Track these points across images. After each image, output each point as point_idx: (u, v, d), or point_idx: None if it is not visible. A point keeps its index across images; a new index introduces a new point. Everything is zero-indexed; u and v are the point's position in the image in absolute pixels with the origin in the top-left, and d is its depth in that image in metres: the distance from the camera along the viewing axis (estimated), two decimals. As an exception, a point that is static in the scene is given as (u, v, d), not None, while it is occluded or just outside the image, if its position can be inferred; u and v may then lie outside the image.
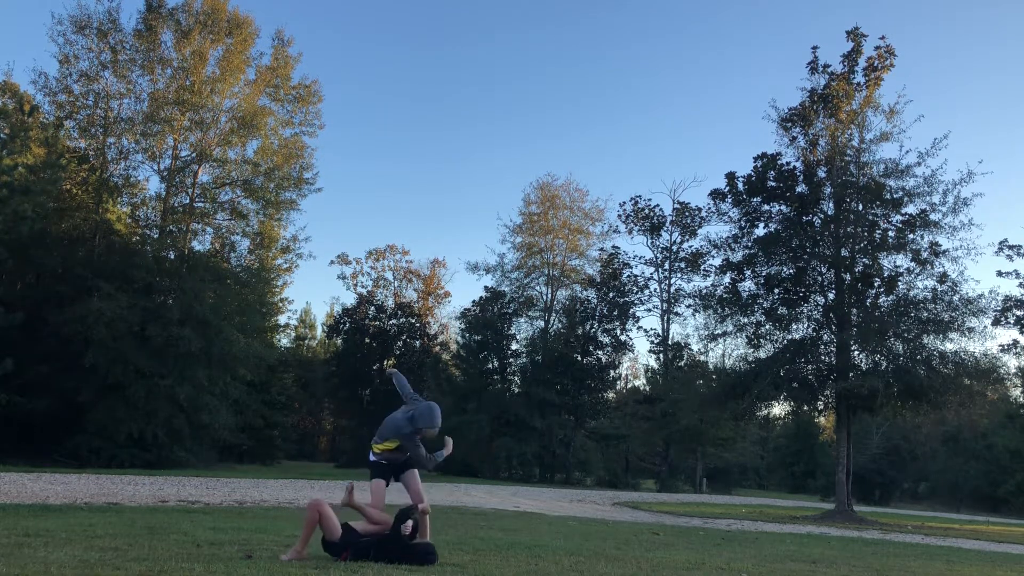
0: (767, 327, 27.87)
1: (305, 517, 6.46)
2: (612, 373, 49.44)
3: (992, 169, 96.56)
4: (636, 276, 49.42)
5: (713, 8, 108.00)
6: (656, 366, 52.57)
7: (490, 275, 49.56)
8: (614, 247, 49.98)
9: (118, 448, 28.52)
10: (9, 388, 25.85)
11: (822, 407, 29.06)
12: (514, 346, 49.24)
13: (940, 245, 25.88)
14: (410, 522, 6.55)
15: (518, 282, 49.60)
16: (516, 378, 48.88)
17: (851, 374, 25.67)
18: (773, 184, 27.43)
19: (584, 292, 48.72)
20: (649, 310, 52.39)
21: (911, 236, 26.18)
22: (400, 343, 55.91)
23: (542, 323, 49.25)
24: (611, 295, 47.87)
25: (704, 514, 22.98)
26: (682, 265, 49.25)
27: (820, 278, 27.50)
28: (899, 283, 26.22)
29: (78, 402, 28.56)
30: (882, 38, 26.97)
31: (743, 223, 28.21)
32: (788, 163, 27.50)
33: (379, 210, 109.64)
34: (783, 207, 27.57)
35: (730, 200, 28.35)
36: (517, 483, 38.92)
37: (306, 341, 65.41)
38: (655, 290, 50.24)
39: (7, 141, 28.81)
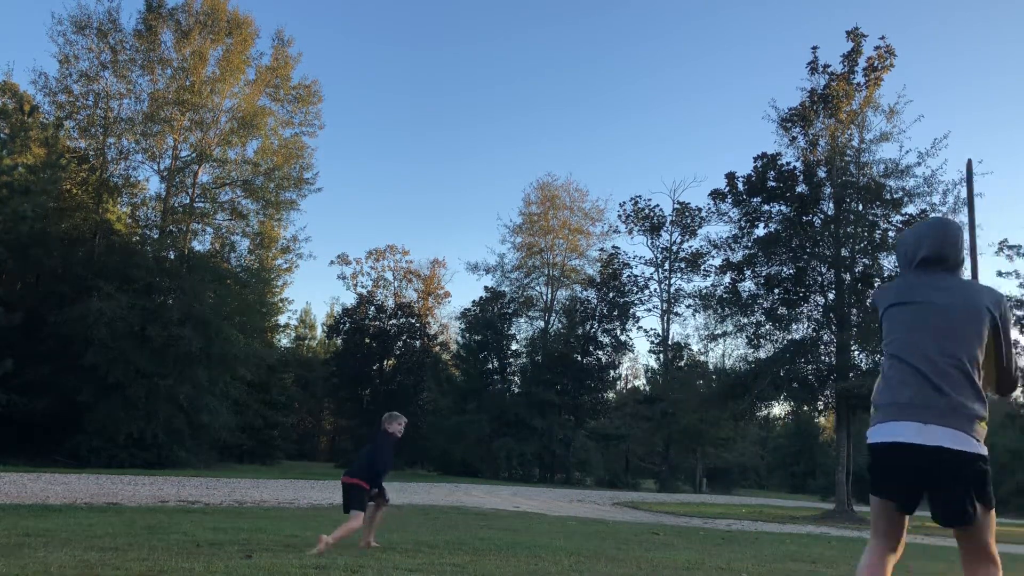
0: (767, 327, 27.89)
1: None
2: (612, 373, 49.52)
3: (992, 169, 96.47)
4: (636, 276, 49.49)
5: (713, 8, 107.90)
6: (656, 366, 52.61)
7: (490, 275, 49.69)
8: (614, 247, 50.07)
9: (118, 448, 28.51)
10: (9, 388, 25.85)
11: (822, 407, 29.07)
12: (514, 346, 49.32)
13: (940, 245, 25.88)
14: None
15: (518, 282, 49.70)
16: (516, 378, 48.91)
17: (851, 374, 25.67)
18: (773, 184, 27.44)
19: (584, 292, 48.77)
20: (649, 310, 52.47)
21: (911, 236, 26.18)
22: (400, 343, 55.89)
23: (542, 323, 49.29)
24: (611, 295, 47.88)
25: (704, 514, 22.98)
26: (682, 265, 49.27)
27: (820, 278, 27.52)
28: (899, 283, 26.21)
29: (78, 402, 28.55)
30: (882, 38, 27.02)
31: (743, 223, 28.24)
32: (788, 163, 27.54)
33: (379, 210, 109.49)
34: (783, 207, 27.59)
35: (730, 200, 28.37)
36: (517, 483, 38.91)
37: (306, 341, 65.41)
38: (655, 290, 50.30)
39: (7, 141, 28.82)
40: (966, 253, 3.21)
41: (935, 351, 2.91)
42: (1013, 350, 3.02)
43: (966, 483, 2.79)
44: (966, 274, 3.38)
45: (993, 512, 2.90)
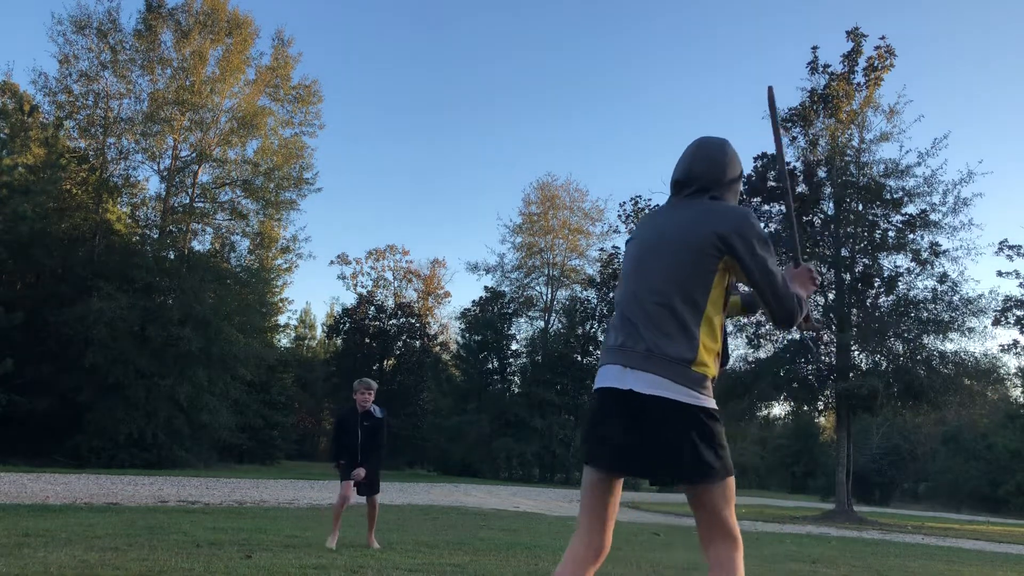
0: (767, 327, 27.87)
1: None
2: (612, 373, 49.44)
3: (992, 169, 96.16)
4: (636, 276, 49.38)
5: (713, 8, 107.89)
6: (656, 366, 52.51)
7: (490, 275, 49.63)
8: (614, 247, 49.96)
9: (118, 448, 28.50)
10: (9, 388, 25.84)
11: (822, 407, 29.05)
12: (514, 346, 49.30)
13: (940, 245, 25.91)
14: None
15: (518, 282, 49.67)
16: (516, 378, 48.90)
17: (851, 374, 25.68)
18: (773, 184, 27.44)
19: (584, 292, 48.76)
20: (649, 310, 52.33)
21: (911, 236, 26.19)
22: (400, 343, 55.89)
23: (542, 323, 49.27)
24: (611, 295, 47.88)
25: (704, 514, 22.90)
26: (682, 265, 49.18)
27: (820, 278, 27.45)
28: (899, 283, 26.24)
29: (78, 402, 28.55)
30: (882, 38, 26.98)
31: (743, 223, 28.22)
32: (788, 163, 27.53)
33: (379, 210, 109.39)
34: (783, 207, 27.59)
35: (730, 200, 28.34)
36: (517, 483, 38.90)
37: (306, 341, 65.38)
38: (655, 290, 50.20)
39: (7, 141, 28.82)
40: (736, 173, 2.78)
41: (643, 289, 2.60)
42: (776, 276, 2.55)
43: (667, 433, 2.43)
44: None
45: (730, 481, 2.53)
